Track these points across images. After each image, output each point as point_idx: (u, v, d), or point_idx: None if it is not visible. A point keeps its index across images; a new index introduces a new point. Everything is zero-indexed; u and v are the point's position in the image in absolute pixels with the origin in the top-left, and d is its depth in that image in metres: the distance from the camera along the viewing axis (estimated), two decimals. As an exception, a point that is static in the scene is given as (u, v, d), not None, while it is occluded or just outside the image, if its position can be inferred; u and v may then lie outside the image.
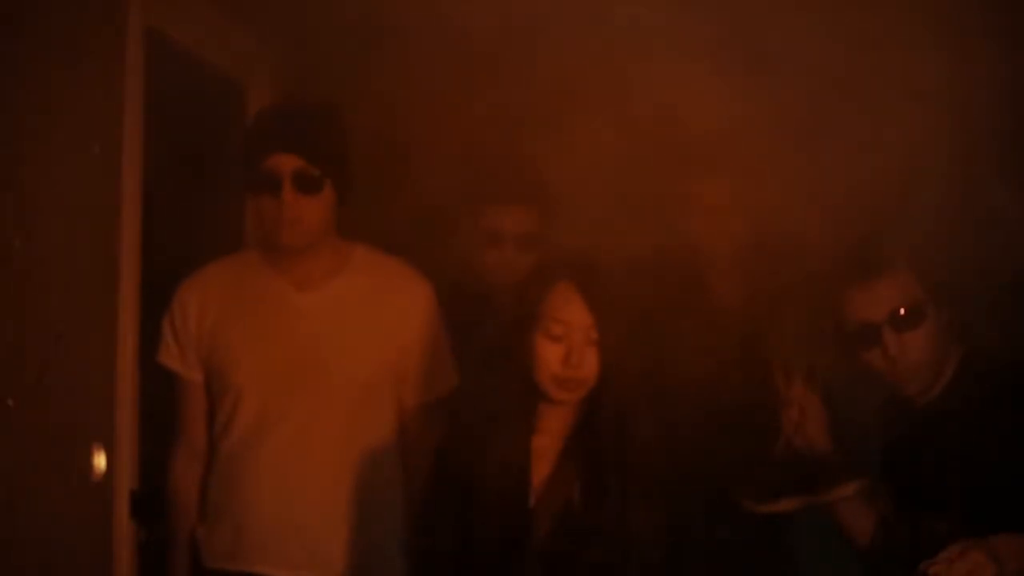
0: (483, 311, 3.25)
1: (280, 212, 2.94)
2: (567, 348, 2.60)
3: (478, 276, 3.45)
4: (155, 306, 3.14)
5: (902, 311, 2.68)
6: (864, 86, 3.09)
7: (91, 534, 2.81)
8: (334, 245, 3.07)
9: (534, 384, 2.63)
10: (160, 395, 3.13)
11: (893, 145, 2.96)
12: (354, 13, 3.35)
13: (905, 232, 2.80)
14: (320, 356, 2.99)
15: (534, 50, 3.27)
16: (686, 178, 3.34)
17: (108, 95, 3.04)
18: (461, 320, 3.18)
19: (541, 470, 2.65)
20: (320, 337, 3.01)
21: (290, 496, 2.94)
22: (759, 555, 3.04)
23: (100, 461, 2.93)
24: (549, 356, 2.61)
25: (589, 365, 2.61)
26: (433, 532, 2.68)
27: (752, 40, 3.05)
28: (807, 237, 3.01)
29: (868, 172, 2.96)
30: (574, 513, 2.61)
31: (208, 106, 3.68)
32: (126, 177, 3.09)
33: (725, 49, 3.02)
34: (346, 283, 3.05)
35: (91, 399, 2.92)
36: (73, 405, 2.87)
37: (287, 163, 2.93)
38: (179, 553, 3.08)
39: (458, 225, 3.47)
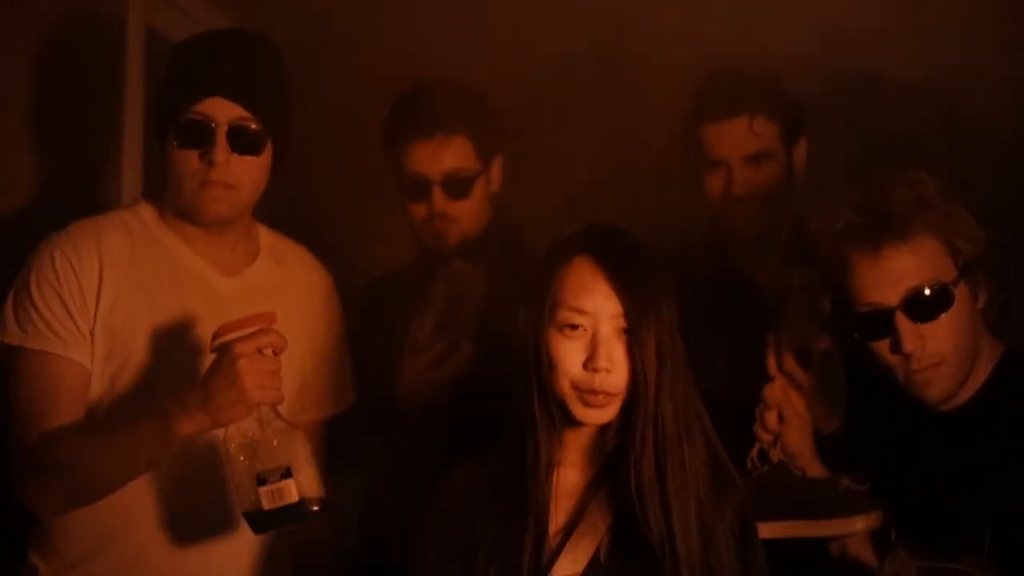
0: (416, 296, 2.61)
1: (208, 174, 2.30)
2: (591, 344, 1.95)
3: (418, 243, 2.71)
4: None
5: (926, 291, 2.06)
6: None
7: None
8: (247, 223, 2.47)
9: (555, 400, 1.99)
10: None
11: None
12: (353, 13, 3.35)
13: (926, 180, 2.13)
14: None
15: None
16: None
17: (108, 95, 3.04)
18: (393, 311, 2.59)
19: (556, 519, 2.02)
20: None
21: (187, 534, 2.31)
22: None
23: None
24: (567, 358, 1.96)
25: (620, 367, 1.95)
26: None
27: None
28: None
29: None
30: (600, 569, 1.97)
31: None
32: (126, 177, 3.10)
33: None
34: (262, 270, 2.47)
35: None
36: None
37: (224, 111, 2.30)
38: None
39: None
